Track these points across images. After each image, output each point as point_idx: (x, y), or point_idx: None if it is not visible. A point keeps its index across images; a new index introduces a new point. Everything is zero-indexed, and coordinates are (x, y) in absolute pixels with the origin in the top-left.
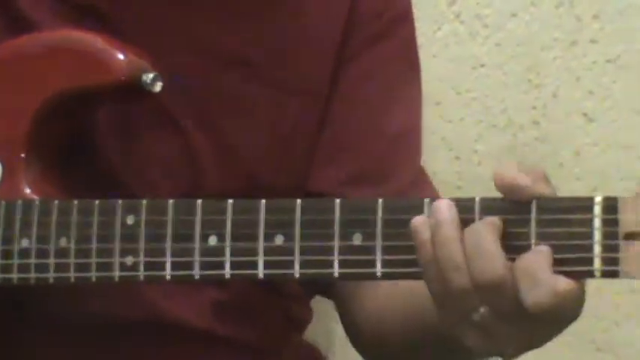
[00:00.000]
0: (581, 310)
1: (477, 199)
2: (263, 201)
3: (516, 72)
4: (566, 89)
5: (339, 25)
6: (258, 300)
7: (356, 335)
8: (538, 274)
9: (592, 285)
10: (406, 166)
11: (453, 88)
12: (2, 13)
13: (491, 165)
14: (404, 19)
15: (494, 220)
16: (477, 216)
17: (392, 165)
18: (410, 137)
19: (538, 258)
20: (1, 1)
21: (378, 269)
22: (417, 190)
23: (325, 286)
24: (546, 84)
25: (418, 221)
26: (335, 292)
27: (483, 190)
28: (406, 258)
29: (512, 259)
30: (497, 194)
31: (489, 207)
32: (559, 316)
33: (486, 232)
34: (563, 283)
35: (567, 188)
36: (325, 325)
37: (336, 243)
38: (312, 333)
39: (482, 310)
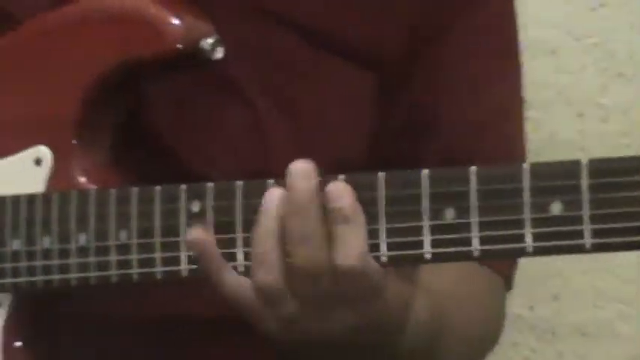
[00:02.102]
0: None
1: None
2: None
3: None
4: None
5: None
6: None
7: None
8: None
9: None
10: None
11: (570, 34)
12: None
13: (620, 120)
14: None
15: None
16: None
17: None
18: (508, 116)
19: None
20: None
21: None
22: None
23: None
24: None
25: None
26: None
27: (611, 150)
28: (506, 233)
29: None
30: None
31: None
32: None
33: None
34: None
35: None
36: None
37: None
38: None
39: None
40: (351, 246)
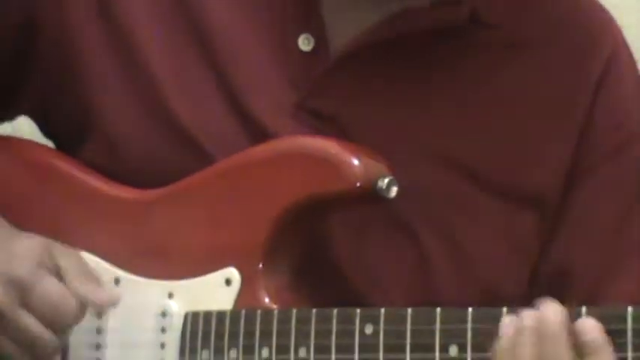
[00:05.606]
0: None
1: None
2: (504, 309)
3: None
4: None
5: (571, 135)
6: None
7: None
8: None
9: None
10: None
11: None
12: (238, 117)
13: None
14: None
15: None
16: None
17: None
18: None
19: None
20: (236, 107)
21: None
22: None
23: None
24: None
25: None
26: None
27: None
28: None
29: None
30: None
31: None
32: None
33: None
34: None
35: None
36: None
37: None
38: None
39: None
40: None
